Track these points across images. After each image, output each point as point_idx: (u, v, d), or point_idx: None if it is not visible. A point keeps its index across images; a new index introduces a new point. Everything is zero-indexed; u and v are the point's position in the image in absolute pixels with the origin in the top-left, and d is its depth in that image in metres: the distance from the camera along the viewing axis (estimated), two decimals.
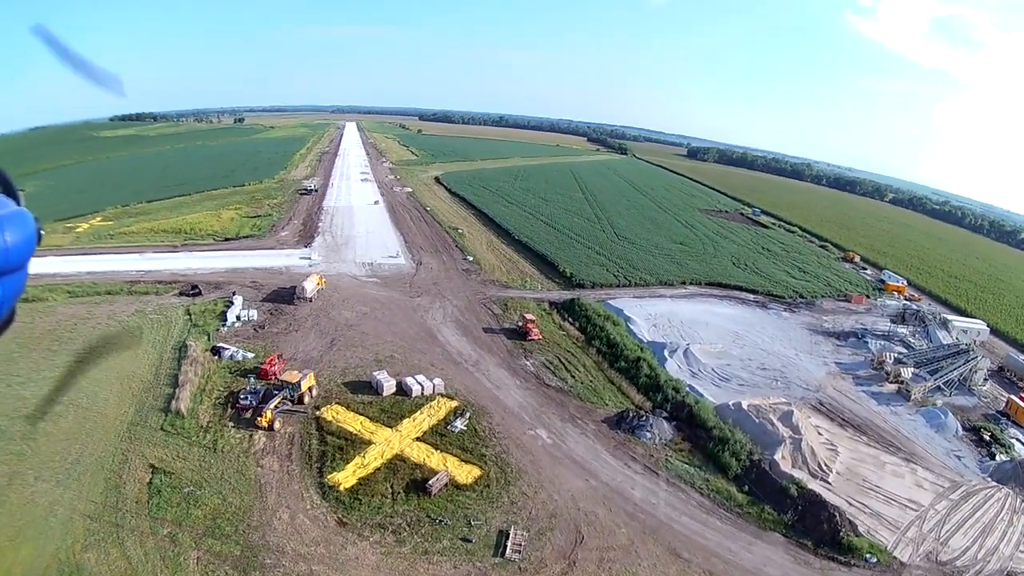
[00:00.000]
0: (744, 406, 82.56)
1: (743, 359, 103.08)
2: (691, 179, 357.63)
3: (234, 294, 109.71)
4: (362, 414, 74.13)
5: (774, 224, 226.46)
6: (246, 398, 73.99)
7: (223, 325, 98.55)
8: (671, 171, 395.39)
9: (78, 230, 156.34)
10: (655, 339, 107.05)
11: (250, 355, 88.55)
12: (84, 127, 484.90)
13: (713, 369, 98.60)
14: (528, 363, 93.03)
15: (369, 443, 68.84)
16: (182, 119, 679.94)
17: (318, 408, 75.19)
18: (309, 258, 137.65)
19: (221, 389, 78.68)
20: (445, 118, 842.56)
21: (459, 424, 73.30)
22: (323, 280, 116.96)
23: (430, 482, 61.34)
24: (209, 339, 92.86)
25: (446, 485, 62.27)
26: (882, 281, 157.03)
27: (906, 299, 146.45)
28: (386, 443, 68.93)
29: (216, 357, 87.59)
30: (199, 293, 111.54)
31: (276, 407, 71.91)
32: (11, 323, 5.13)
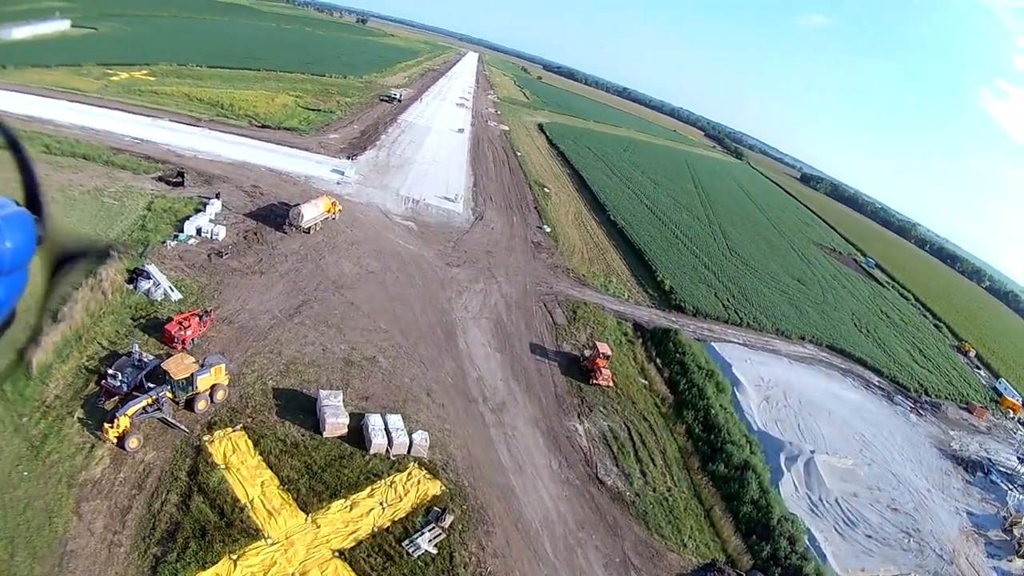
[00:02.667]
0: None
1: (871, 487, 69.09)
2: (806, 206, 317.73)
3: (217, 196, 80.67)
4: (272, 466, 41.89)
5: (888, 283, 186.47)
6: (116, 376, 43.25)
7: (174, 236, 68.96)
8: (786, 191, 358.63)
9: (113, 78, 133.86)
10: (768, 428, 72.30)
11: (175, 296, 58.21)
12: None
13: (838, 501, 64.16)
14: (582, 429, 59.01)
15: (255, 536, 36.82)
16: (303, 5, 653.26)
17: (211, 428, 43.56)
18: (342, 173, 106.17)
19: (103, 345, 48.83)
20: (569, 74, 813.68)
21: (426, 539, 39.53)
22: (337, 207, 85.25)
23: None
24: (142, 255, 62.38)
25: None
26: (996, 391, 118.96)
27: (1020, 421, 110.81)
28: (283, 548, 36.75)
29: (130, 287, 57.47)
30: (181, 183, 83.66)
31: (139, 412, 40.73)
32: (11, 323, 4.97)
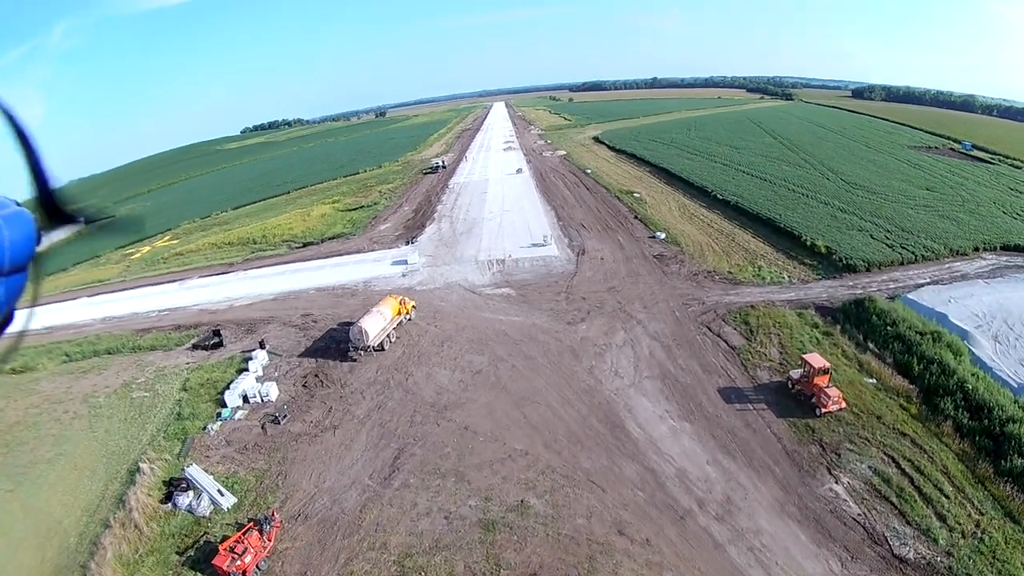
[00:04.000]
0: None
1: None
2: (874, 116, 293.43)
3: (261, 345, 64.72)
4: None
5: (994, 159, 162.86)
6: None
7: (216, 416, 52.79)
8: (849, 111, 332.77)
9: (134, 256, 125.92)
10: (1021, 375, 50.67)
11: (226, 502, 41.47)
12: (209, 144, 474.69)
13: None
14: (841, 488, 38.11)
15: None
16: (319, 122, 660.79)
17: None
18: (405, 262, 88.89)
19: None
20: (596, 87, 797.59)
21: None
22: (408, 305, 67.60)
23: None
24: (180, 455, 46.15)
25: None
26: None
27: None
28: None
29: (167, 507, 41.64)
30: (220, 344, 68.53)
31: None
32: (10, 324, 4.81)
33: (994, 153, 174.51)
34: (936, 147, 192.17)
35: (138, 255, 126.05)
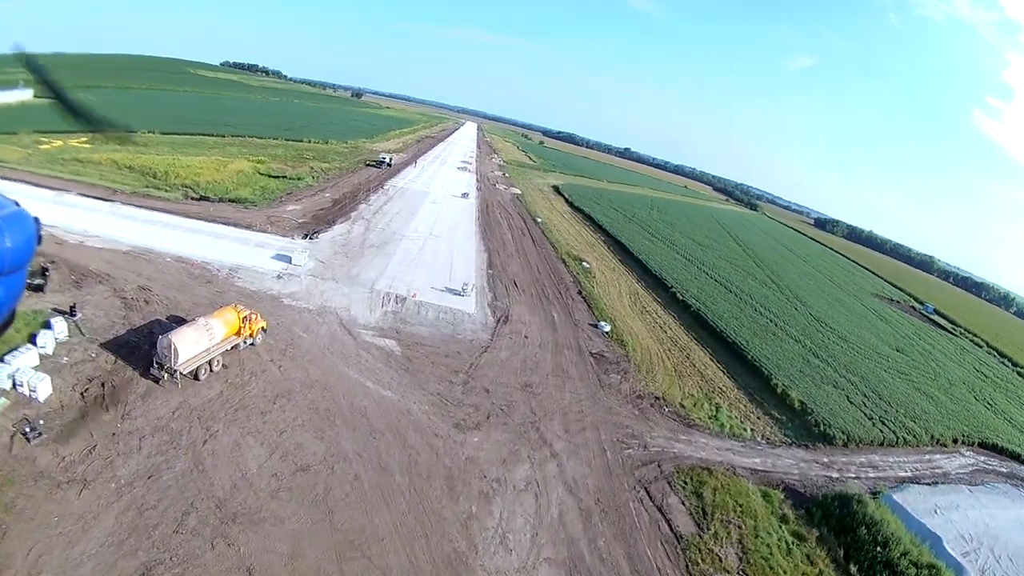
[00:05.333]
0: None
1: None
2: (837, 251, 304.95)
3: (71, 311, 47.05)
4: None
5: (956, 331, 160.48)
6: None
7: None
8: (812, 238, 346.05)
9: (43, 146, 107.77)
10: None
11: None
12: (185, 64, 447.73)
13: None
14: None
15: None
16: (298, 82, 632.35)
17: None
18: (288, 259, 69.78)
19: None
20: (570, 139, 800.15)
21: None
22: (256, 323, 48.81)
23: None
24: None
25: None
26: None
27: None
28: None
29: None
30: (41, 288, 50.84)
31: None
32: (11, 324, 4.91)
33: (954, 323, 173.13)
34: (898, 301, 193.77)
35: (47, 146, 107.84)
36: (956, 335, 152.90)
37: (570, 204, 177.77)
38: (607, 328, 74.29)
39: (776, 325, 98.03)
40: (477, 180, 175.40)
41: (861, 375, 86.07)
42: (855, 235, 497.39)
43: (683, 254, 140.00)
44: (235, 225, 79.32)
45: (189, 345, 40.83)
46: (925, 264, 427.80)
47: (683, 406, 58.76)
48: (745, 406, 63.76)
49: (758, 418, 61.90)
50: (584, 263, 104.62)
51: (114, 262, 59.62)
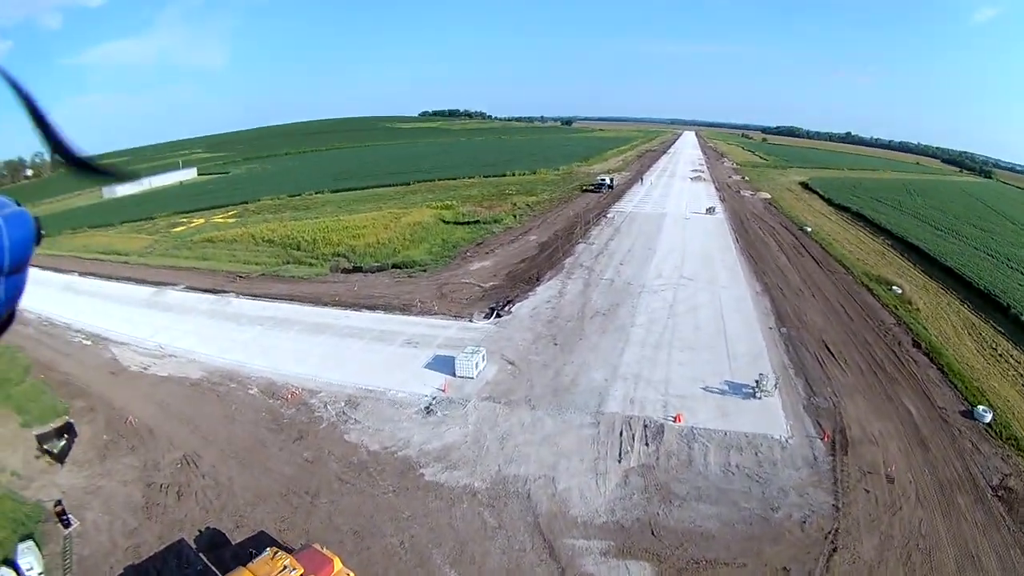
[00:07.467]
0: None
1: None
2: None
3: (64, 517, 26.42)
4: None
5: None
6: None
7: None
8: None
9: (175, 229, 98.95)
10: None
11: None
12: (380, 120, 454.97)
13: None
14: None
15: None
16: (505, 121, 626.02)
17: None
18: (452, 370, 41.36)
19: None
20: (789, 132, 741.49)
21: None
22: None
23: None
24: None
25: None
26: None
27: None
28: None
29: None
30: (62, 456, 33.23)
31: None
32: (10, 325, 4.27)
33: None
34: None
35: (182, 228, 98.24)
36: None
37: (829, 202, 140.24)
38: (987, 416, 38.39)
39: None
40: (717, 189, 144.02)
41: None
42: None
43: (983, 249, 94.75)
44: (384, 309, 55.18)
45: None
46: None
47: None
48: None
49: None
50: (894, 288, 69.02)
51: (170, 405, 38.01)
